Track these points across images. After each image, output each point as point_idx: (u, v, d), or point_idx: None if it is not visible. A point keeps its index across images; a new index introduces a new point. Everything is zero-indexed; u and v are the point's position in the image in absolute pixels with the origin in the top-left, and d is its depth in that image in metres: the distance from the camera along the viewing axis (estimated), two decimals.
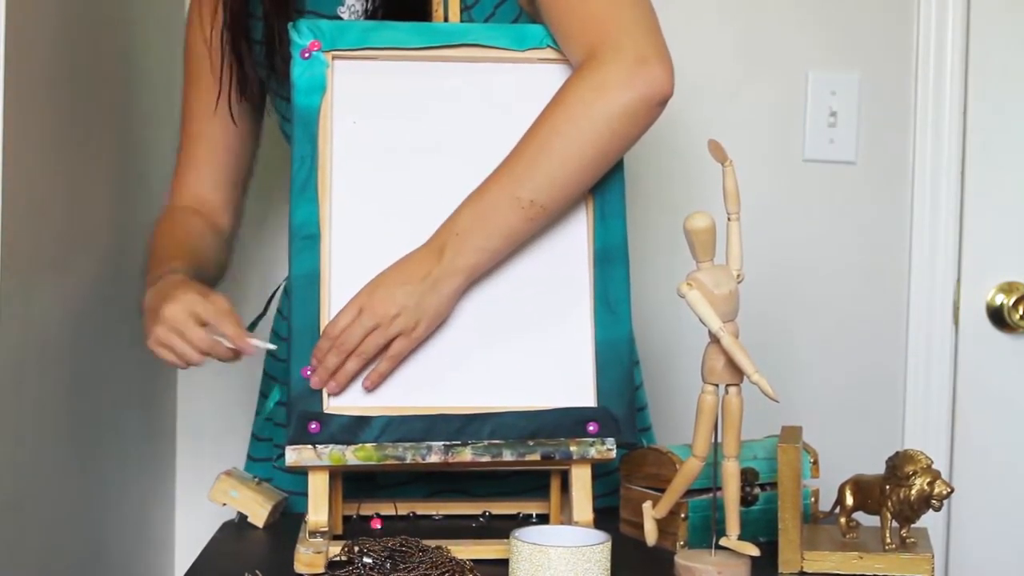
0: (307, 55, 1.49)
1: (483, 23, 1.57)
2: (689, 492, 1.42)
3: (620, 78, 1.43)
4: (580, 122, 1.43)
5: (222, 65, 1.65)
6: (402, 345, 1.40)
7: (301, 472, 1.42)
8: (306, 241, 1.43)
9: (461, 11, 1.56)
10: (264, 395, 1.76)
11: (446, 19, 1.54)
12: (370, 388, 1.41)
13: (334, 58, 1.49)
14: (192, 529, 2.10)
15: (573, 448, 1.42)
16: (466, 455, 1.40)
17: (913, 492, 1.38)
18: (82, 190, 1.63)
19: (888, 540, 1.40)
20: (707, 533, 1.42)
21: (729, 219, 1.38)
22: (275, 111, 1.69)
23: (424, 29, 1.51)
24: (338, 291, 1.43)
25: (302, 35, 1.49)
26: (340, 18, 1.60)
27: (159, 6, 1.99)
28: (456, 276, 1.41)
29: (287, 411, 1.40)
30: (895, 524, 1.41)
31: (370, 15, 1.57)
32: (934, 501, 1.38)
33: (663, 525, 1.42)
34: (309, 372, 1.40)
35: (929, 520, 1.48)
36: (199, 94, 1.68)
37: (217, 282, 1.69)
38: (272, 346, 1.53)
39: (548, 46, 1.51)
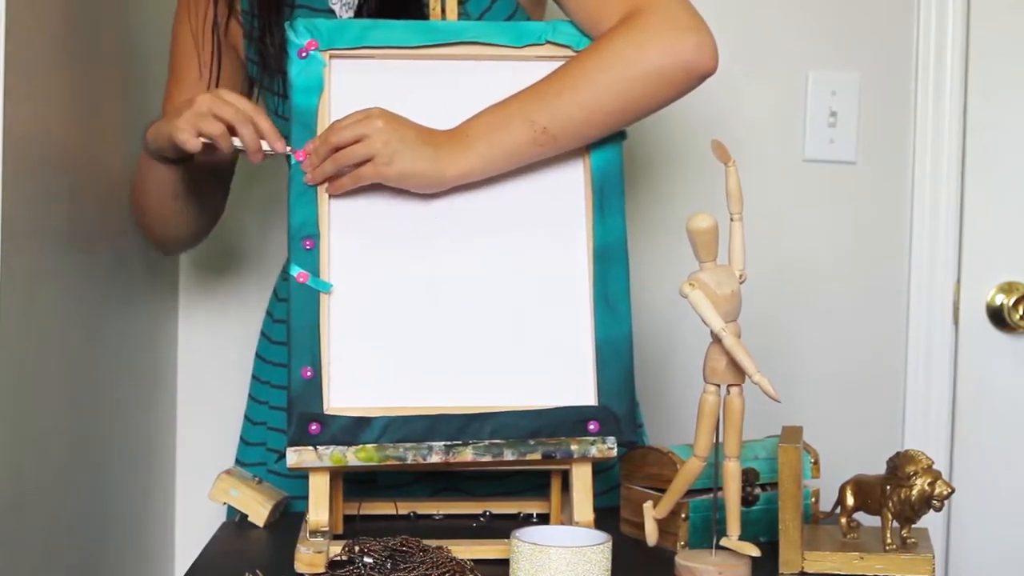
0: (304, 54, 1.49)
1: (479, 19, 1.57)
2: (690, 492, 1.42)
3: (664, 40, 1.46)
4: (612, 73, 1.45)
5: (211, 60, 1.66)
6: (368, 170, 1.42)
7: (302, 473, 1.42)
8: (305, 242, 1.43)
9: (457, 5, 1.57)
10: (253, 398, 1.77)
11: (443, 17, 1.54)
12: (332, 193, 1.44)
13: (331, 57, 1.49)
14: (192, 529, 2.10)
15: (574, 447, 1.42)
16: (467, 455, 1.40)
17: (914, 492, 1.38)
18: (83, 190, 1.63)
19: (889, 540, 1.40)
20: (708, 533, 1.42)
21: (732, 219, 1.38)
22: (264, 107, 1.69)
23: (422, 27, 1.51)
24: (337, 293, 1.43)
25: (299, 34, 1.49)
26: (332, 11, 1.60)
27: (160, 5, 1.99)
28: (448, 167, 1.43)
29: (287, 412, 1.40)
30: (896, 524, 1.41)
31: (363, 10, 1.58)
32: (935, 501, 1.38)
33: (664, 525, 1.42)
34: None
35: (929, 520, 1.48)
36: (186, 87, 1.68)
37: (196, 242, 1.76)
38: (290, 149, 1.48)
39: (547, 42, 1.51)
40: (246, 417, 1.77)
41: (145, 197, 1.66)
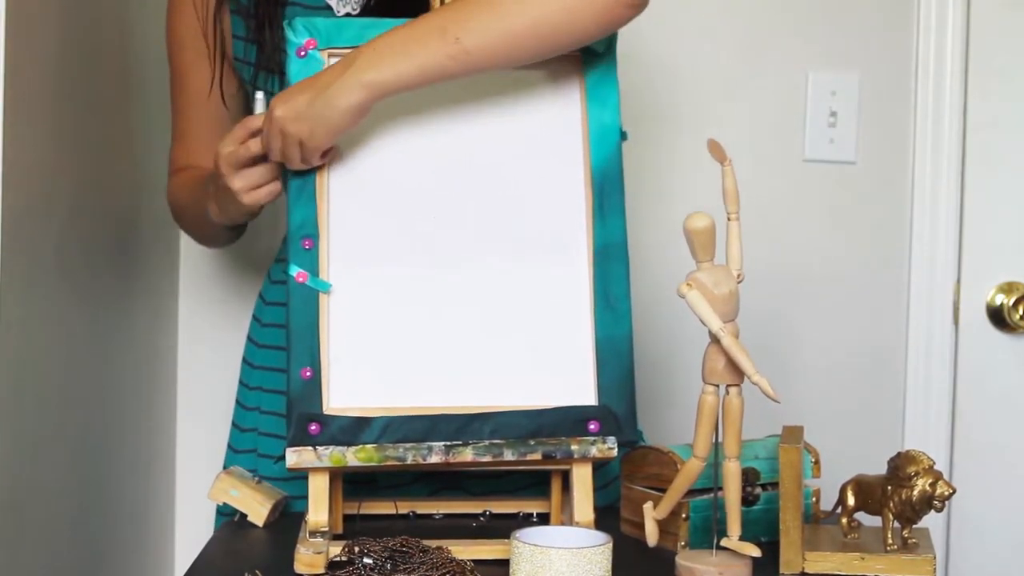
0: (303, 53, 1.48)
1: None
2: (690, 492, 1.41)
3: None
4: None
5: (212, 53, 1.68)
6: (309, 153, 1.42)
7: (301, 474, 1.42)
8: (304, 242, 1.43)
9: None
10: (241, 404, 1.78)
11: None
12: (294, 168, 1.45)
13: (330, 56, 1.49)
14: (192, 529, 2.10)
15: (574, 447, 1.41)
16: (467, 455, 1.40)
17: (915, 493, 1.38)
18: (83, 189, 1.63)
19: (890, 541, 1.40)
20: (708, 533, 1.41)
21: (729, 219, 1.38)
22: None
23: None
24: (336, 293, 1.43)
25: (298, 33, 1.49)
26: (329, 7, 1.61)
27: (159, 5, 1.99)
28: (357, 90, 1.40)
29: (286, 412, 1.40)
30: (897, 525, 1.41)
31: (365, 10, 1.58)
32: (936, 502, 1.37)
33: (664, 525, 1.42)
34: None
35: (929, 520, 1.48)
36: (193, 79, 1.71)
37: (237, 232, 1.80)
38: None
39: None
40: (234, 424, 1.78)
41: (197, 227, 1.75)
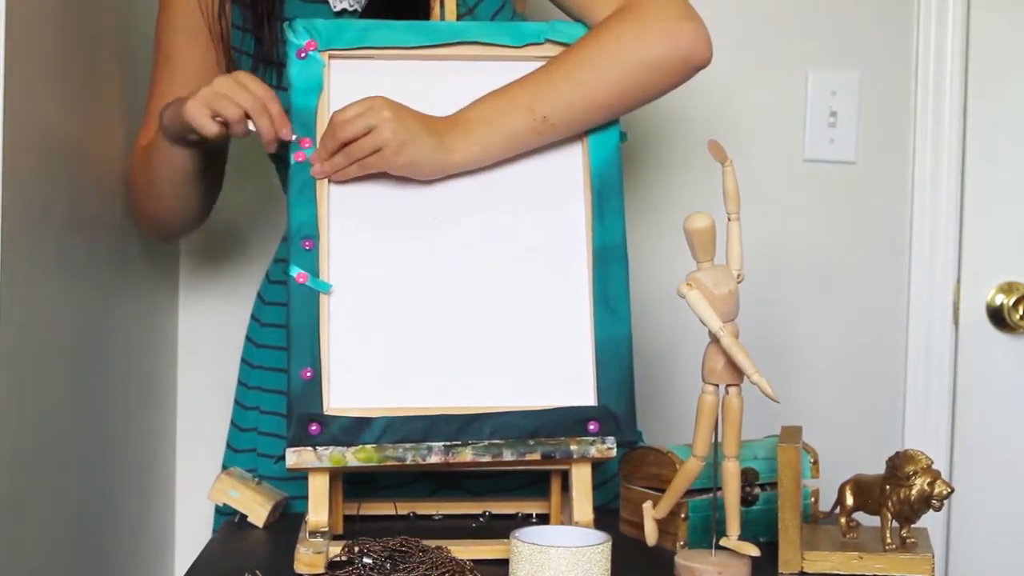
0: (304, 55, 1.49)
1: (484, 21, 1.58)
2: (689, 492, 1.42)
3: (662, 30, 1.49)
4: (612, 61, 1.48)
5: (220, 37, 1.67)
6: (376, 160, 1.42)
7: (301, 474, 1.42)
8: (304, 242, 1.43)
9: (465, 11, 1.57)
10: (240, 404, 1.78)
11: (443, 17, 1.55)
12: (336, 181, 1.45)
13: (331, 57, 1.50)
14: (192, 529, 2.10)
15: (573, 447, 1.42)
16: (467, 455, 1.40)
17: (913, 492, 1.38)
18: (83, 186, 1.63)
19: (888, 540, 1.40)
20: (707, 533, 1.42)
21: (729, 219, 1.38)
22: None
23: (421, 28, 1.52)
24: (336, 293, 1.43)
25: (298, 35, 1.49)
26: (327, 3, 1.61)
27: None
28: (451, 155, 1.44)
29: (287, 412, 1.40)
30: (895, 524, 1.41)
31: (367, 8, 1.58)
32: (934, 501, 1.38)
33: (663, 525, 1.42)
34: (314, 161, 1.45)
35: (929, 520, 1.48)
36: (180, 62, 1.68)
37: (194, 228, 1.77)
38: (295, 137, 1.49)
39: (547, 41, 1.52)
40: (233, 423, 1.78)
41: (154, 183, 1.65)
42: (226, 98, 1.47)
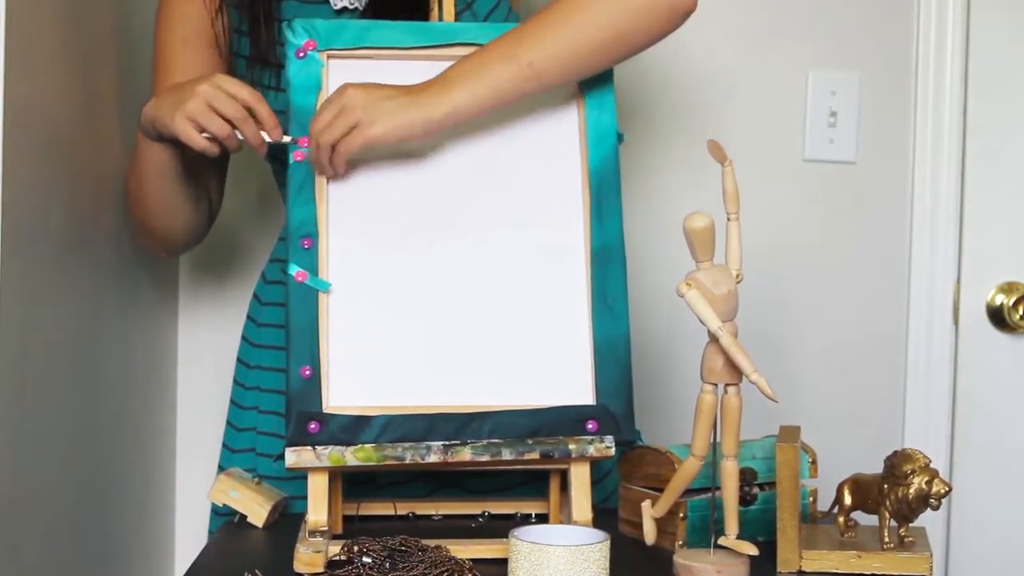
0: (302, 54, 1.49)
1: (481, 19, 1.58)
2: (688, 491, 1.42)
3: None
4: (598, 6, 1.47)
5: (224, 40, 1.67)
6: (353, 139, 1.42)
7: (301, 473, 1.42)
8: (303, 241, 1.44)
9: (463, 6, 1.57)
10: (236, 403, 1.78)
11: (441, 18, 1.55)
12: (331, 177, 1.46)
13: (329, 57, 1.50)
14: (192, 529, 2.10)
15: (572, 446, 1.42)
16: (465, 454, 1.40)
17: (911, 491, 1.38)
18: (83, 190, 1.63)
19: (886, 539, 1.40)
20: (706, 532, 1.42)
21: (729, 219, 1.38)
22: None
23: (419, 28, 1.52)
24: (336, 292, 1.43)
25: (297, 35, 1.50)
26: (327, 2, 1.61)
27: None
28: (434, 107, 1.43)
29: (286, 411, 1.40)
30: (893, 523, 1.41)
31: (368, 7, 1.59)
32: (932, 500, 1.38)
33: (662, 524, 1.42)
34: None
35: (929, 520, 1.48)
36: (176, 64, 1.67)
37: (194, 240, 1.75)
38: (289, 139, 1.49)
39: None
40: (229, 423, 1.78)
41: (143, 185, 1.63)
42: (209, 113, 1.46)
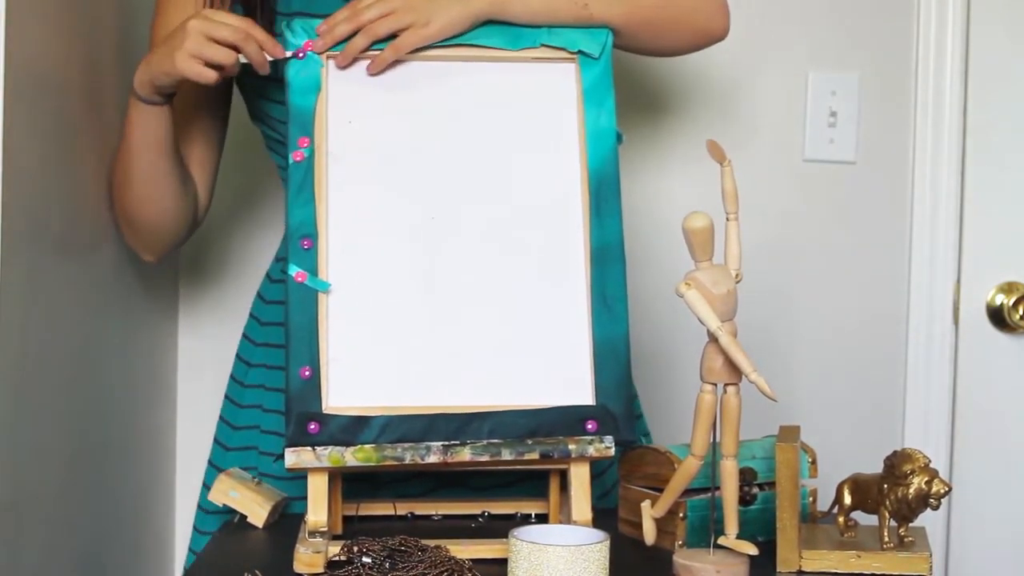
0: (301, 55, 1.49)
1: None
2: (687, 491, 1.42)
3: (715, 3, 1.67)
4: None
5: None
6: (410, 38, 1.46)
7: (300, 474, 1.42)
8: (303, 241, 1.44)
9: None
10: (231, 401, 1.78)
11: None
12: (372, 72, 1.49)
13: (328, 58, 1.50)
14: (192, 529, 2.10)
15: (571, 446, 1.42)
16: (465, 455, 1.40)
17: (911, 491, 1.38)
18: (82, 189, 1.64)
19: (886, 539, 1.40)
20: (705, 532, 1.42)
21: (728, 219, 1.38)
22: (261, 113, 1.69)
23: None
24: (335, 292, 1.43)
25: (296, 35, 1.50)
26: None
27: None
28: (488, 4, 1.49)
29: (285, 411, 1.40)
30: (893, 523, 1.41)
31: None
32: (932, 500, 1.38)
33: (661, 524, 1.43)
34: (311, 46, 1.48)
35: (929, 520, 1.48)
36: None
37: (180, 235, 1.73)
38: (290, 53, 1.50)
39: (542, 44, 1.52)
40: (224, 421, 1.78)
41: (132, 162, 1.61)
42: (209, 43, 1.47)
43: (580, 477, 1.43)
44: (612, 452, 1.43)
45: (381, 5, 1.47)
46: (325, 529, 1.39)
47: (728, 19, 1.67)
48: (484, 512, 1.59)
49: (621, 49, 1.62)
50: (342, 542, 1.37)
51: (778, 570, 1.38)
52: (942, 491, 1.37)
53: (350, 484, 1.53)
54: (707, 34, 1.67)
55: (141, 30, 1.83)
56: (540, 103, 1.51)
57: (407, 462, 1.40)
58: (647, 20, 1.59)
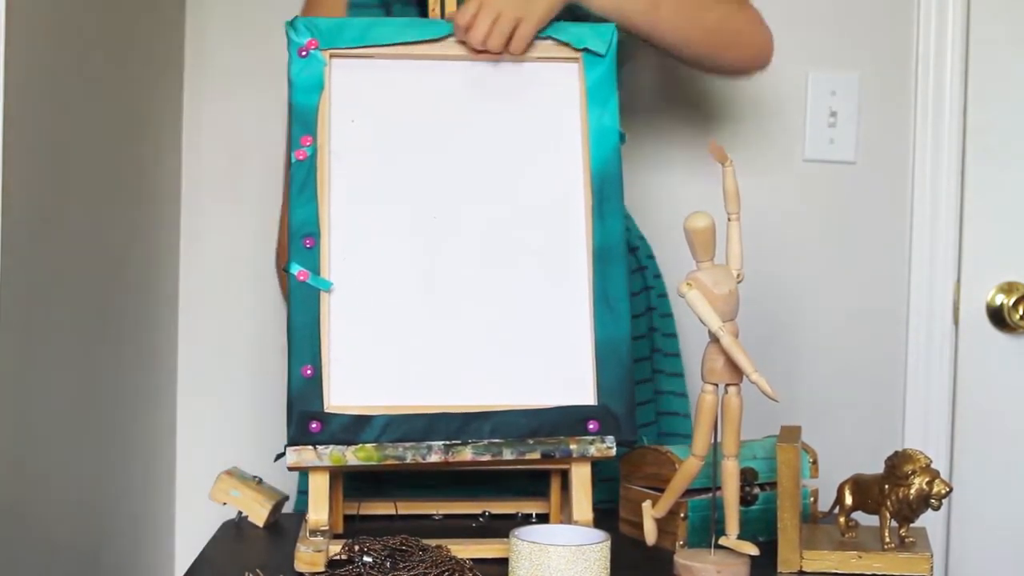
0: (304, 53, 1.49)
1: None
2: (688, 492, 1.42)
3: (766, 35, 1.78)
4: (728, 22, 1.72)
5: None
6: (526, 28, 1.50)
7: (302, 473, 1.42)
8: (305, 240, 1.44)
9: None
10: None
11: (442, 15, 1.55)
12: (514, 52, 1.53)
13: (332, 56, 1.50)
14: (192, 529, 2.10)
15: (573, 446, 1.42)
16: (466, 454, 1.40)
17: (912, 491, 1.38)
18: (83, 189, 1.63)
19: (887, 539, 1.40)
20: (706, 532, 1.42)
21: (729, 219, 1.38)
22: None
23: (421, 26, 1.52)
24: (337, 291, 1.43)
25: (299, 33, 1.50)
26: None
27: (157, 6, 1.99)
28: None
29: (287, 410, 1.40)
30: (894, 523, 1.41)
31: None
32: (933, 500, 1.38)
33: (662, 524, 1.43)
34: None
35: (929, 520, 1.48)
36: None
37: None
38: None
39: (548, 37, 1.52)
40: None
41: None
42: None
43: (581, 477, 1.43)
44: (613, 452, 1.43)
45: (485, 15, 1.49)
46: (326, 528, 1.39)
47: (772, 48, 1.78)
48: (485, 512, 1.59)
49: (681, 62, 1.73)
50: (343, 541, 1.37)
51: (779, 570, 1.38)
52: (943, 491, 1.37)
53: (350, 483, 1.53)
54: (754, 64, 1.78)
55: (143, 21, 1.83)
56: (543, 102, 1.51)
57: (408, 461, 1.40)
58: (708, 38, 1.69)
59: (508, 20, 1.49)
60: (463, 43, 1.51)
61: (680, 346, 1.86)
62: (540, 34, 1.53)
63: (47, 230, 1.50)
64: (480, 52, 1.51)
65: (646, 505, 1.41)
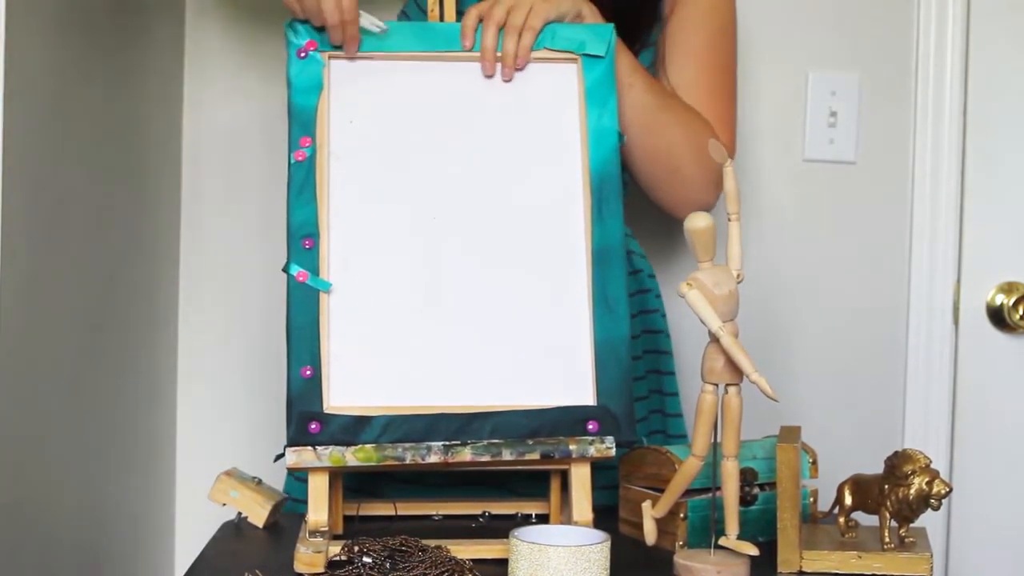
0: (303, 55, 1.49)
1: None
2: (688, 492, 1.42)
3: (713, 167, 1.63)
4: (685, 129, 1.67)
5: None
6: (543, 8, 1.52)
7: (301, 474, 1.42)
8: (304, 241, 1.44)
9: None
10: None
11: (442, 19, 1.55)
12: (520, 66, 1.53)
13: (330, 58, 1.50)
14: (192, 529, 2.10)
15: (572, 447, 1.42)
16: (466, 455, 1.40)
17: (912, 491, 1.38)
18: (82, 188, 1.64)
19: (887, 539, 1.40)
20: (706, 533, 1.42)
21: (730, 219, 1.38)
22: None
23: (421, 30, 1.52)
24: (336, 292, 1.43)
25: (299, 35, 1.50)
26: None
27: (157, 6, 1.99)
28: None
29: (287, 410, 1.40)
30: (894, 523, 1.41)
31: None
32: (933, 500, 1.38)
33: (662, 525, 1.42)
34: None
35: (929, 520, 1.48)
36: None
37: None
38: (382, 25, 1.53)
39: (544, 47, 1.52)
40: None
41: None
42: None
43: (581, 478, 1.43)
44: (613, 453, 1.43)
45: (499, 8, 1.51)
46: (326, 529, 1.39)
47: (716, 197, 1.71)
48: (484, 512, 1.59)
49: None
50: (343, 542, 1.37)
51: (779, 570, 1.38)
52: (943, 491, 1.37)
53: (353, 482, 1.53)
54: (711, 191, 1.71)
55: (142, 21, 1.83)
56: (542, 103, 1.51)
57: (408, 462, 1.40)
58: (663, 138, 1.66)
59: (521, 13, 1.51)
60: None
61: (672, 346, 1.86)
62: (537, 45, 1.53)
63: (47, 230, 1.50)
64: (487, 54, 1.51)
65: (646, 505, 1.41)
